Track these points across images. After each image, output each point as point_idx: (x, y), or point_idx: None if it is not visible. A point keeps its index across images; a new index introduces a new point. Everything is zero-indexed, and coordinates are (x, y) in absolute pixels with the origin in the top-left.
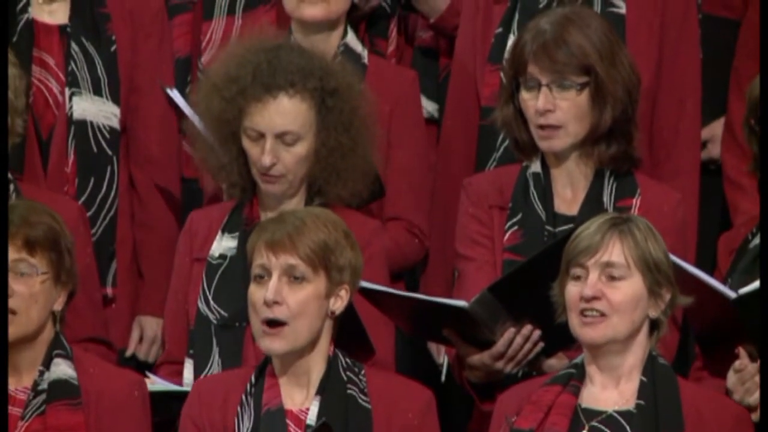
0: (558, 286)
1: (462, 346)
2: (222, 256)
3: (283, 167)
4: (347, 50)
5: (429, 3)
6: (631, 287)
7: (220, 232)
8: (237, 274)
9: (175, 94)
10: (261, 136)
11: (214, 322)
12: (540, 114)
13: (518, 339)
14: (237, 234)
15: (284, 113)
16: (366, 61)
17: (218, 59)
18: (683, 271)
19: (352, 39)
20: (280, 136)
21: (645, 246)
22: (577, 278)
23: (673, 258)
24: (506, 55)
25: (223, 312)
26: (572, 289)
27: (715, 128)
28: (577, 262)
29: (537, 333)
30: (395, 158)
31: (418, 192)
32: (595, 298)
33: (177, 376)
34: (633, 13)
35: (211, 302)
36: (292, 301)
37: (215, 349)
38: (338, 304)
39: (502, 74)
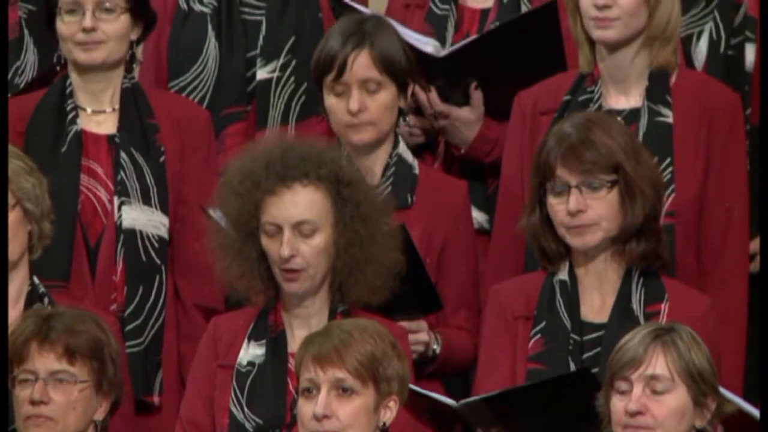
0: (603, 397)
1: None
2: (250, 364)
3: (302, 260)
4: (400, 161)
5: (458, 136)
6: (675, 400)
7: (246, 340)
8: (267, 382)
9: (218, 216)
10: (279, 229)
11: (250, 430)
12: (572, 216)
13: None
14: (264, 342)
15: (299, 203)
16: (417, 171)
17: (233, 162)
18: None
19: (403, 149)
20: (297, 227)
21: (689, 357)
22: (622, 392)
23: (724, 392)
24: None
25: (257, 420)
26: (617, 404)
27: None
28: (621, 375)
29: None
30: (451, 273)
31: (474, 306)
32: (639, 413)
33: None
34: (680, 122)
35: (245, 409)
36: (342, 414)
37: None
38: (388, 416)
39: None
